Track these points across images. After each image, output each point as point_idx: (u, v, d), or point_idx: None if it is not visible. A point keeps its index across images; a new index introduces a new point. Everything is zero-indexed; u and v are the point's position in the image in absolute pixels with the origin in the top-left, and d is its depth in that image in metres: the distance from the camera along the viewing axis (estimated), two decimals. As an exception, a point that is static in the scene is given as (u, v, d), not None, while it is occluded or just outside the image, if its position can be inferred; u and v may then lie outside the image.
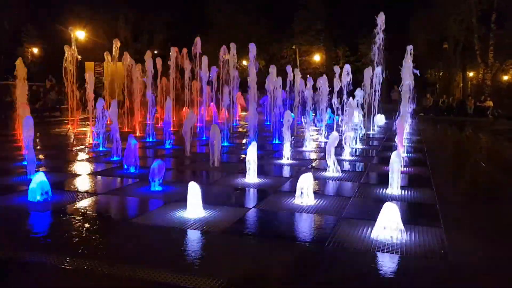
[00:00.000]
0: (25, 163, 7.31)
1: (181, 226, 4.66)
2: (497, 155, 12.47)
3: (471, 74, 35.73)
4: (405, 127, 10.86)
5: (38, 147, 10.88)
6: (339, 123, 13.18)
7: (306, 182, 5.59)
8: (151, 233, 4.66)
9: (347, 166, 8.59)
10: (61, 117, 19.55)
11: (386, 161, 7.14)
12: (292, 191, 5.86)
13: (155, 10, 38.28)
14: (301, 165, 8.55)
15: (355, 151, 10.56)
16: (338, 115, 13.34)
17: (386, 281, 3.59)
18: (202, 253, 4.17)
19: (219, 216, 5.05)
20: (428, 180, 7.21)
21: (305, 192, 5.57)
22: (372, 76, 14.56)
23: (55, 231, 4.70)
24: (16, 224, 4.91)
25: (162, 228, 4.71)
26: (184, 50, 17.69)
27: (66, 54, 15.23)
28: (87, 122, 15.09)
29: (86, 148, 10.68)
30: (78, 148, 10.85)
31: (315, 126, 15.54)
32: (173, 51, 17.47)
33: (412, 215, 5.25)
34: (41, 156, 9.16)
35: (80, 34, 26.15)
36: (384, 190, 6.30)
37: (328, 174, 7.55)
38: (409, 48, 11.07)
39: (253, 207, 5.54)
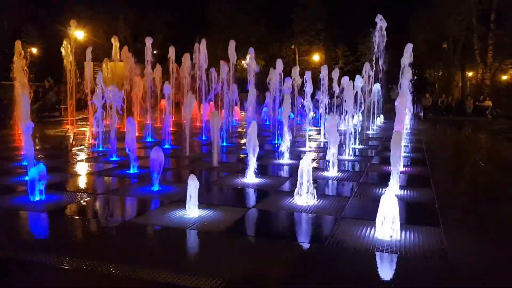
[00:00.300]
0: (25, 163, 7.31)
1: (181, 226, 4.66)
2: (496, 154, 12.47)
3: (470, 74, 35.71)
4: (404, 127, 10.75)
5: (38, 147, 10.86)
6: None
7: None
8: (151, 233, 4.66)
9: (347, 166, 8.60)
10: (61, 117, 19.53)
11: (386, 161, 7.13)
12: (292, 191, 5.85)
13: (155, 10, 38.20)
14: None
15: (355, 151, 10.56)
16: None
17: (385, 281, 3.59)
18: (202, 253, 4.17)
19: (219, 216, 5.05)
20: (428, 180, 7.21)
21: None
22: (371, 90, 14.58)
23: (55, 231, 4.70)
24: (16, 224, 4.91)
25: (162, 228, 4.71)
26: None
27: (64, 43, 15.20)
28: (86, 122, 15.07)
29: (86, 149, 10.68)
30: (78, 148, 10.84)
31: (316, 126, 15.53)
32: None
33: (411, 215, 5.26)
34: (40, 156, 9.15)
35: (79, 34, 26.03)
36: (384, 190, 6.29)
37: (328, 174, 7.55)
38: (409, 46, 10.98)
39: (253, 207, 5.54)
